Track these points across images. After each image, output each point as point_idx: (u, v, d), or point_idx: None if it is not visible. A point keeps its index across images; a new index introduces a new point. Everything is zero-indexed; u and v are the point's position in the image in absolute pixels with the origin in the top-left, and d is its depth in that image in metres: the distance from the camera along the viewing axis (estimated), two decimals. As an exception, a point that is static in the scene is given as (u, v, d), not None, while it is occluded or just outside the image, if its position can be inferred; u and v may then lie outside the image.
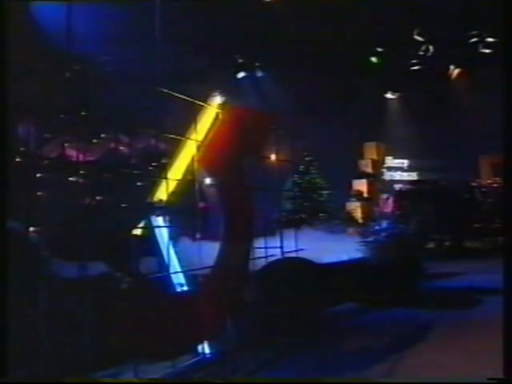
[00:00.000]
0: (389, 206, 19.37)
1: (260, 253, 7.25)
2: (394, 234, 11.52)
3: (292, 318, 7.42)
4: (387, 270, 10.33)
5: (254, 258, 6.89)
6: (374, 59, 19.86)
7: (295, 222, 15.73)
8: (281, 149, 7.66)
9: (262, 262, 7.42)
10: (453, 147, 21.06)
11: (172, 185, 5.71)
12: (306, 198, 17.99)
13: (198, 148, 5.93)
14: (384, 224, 12.22)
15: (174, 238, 5.74)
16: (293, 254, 7.96)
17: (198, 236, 5.69)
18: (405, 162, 23.18)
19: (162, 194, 5.64)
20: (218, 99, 6.46)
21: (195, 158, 5.89)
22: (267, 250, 7.35)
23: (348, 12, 17.71)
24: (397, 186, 21.15)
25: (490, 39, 18.97)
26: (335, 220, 17.28)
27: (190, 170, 5.94)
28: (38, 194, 6.60)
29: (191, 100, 5.79)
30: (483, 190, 20.08)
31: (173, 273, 5.42)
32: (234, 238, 6.01)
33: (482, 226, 18.92)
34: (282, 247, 7.63)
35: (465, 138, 20.58)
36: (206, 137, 6.12)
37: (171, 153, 6.03)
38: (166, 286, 5.34)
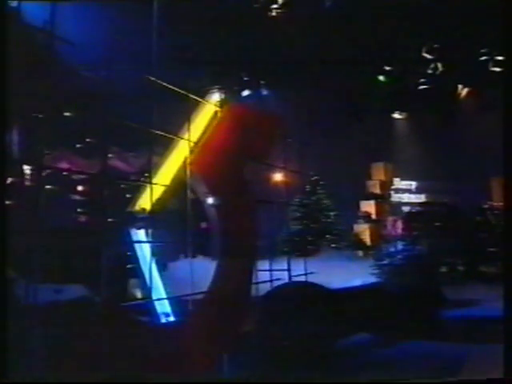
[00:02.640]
0: (398, 228, 18.23)
1: (264, 276, 6.19)
2: (408, 257, 10.47)
3: (299, 351, 6.30)
4: (404, 297, 9.16)
5: (258, 282, 5.78)
6: (381, 78, 18.98)
7: (302, 243, 14.62)
8: (289, 158, 6.64)
9: (266, 287, 6.34)
10: (463, 168, 19.99)
11: (158, 191, 4.62)
12: (313, 218, 16.89)
13: (192, 150, 4.86)
14: (397, 247, 11.21)
15: (158, 256, 4.64)
16: (301, 278, 6.88)
17: (188, 254, 4.57)
18: (413, 184, 22.12)
19: (146, 202, 4.53)
20: (216, 96, 5.42)
21: (187, 161, 4.81)
22: (272, 273, 6.29)
23: (355, 30, 16.95)
24: (406, 208, 20.04)
25: (499, 57, 18.07)
26: (344, 242, 16.20)
27: (180, 175, 4.85)
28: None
29: (184, 93, 4.76)
30: (496, 212, 18.90)
31: (156, 300, 4.28)
32: (233, 258, 4.88)
33: (497, 250, 17.67)
34: (289, 270, 6.55)
35: (475, 159, 19.52)
36: (201, 137, 5.06)
37: (159, 154, 4.95)
38: (146, 317, 4.19)
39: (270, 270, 6.12)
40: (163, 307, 4.43)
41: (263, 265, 6.53)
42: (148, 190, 4.53)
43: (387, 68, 18.84)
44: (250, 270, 5.17)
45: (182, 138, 4.90)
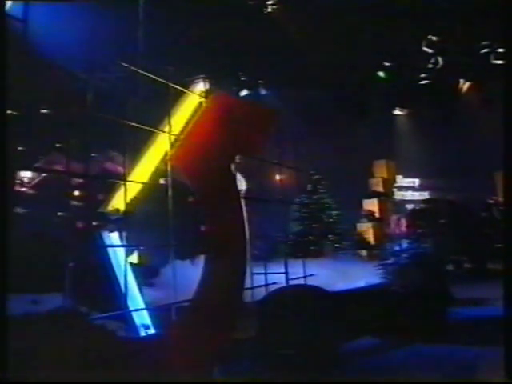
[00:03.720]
0: (402, 226, 17.70)
1: (260, 280, 5.72)
2: (414, 256, 9.94)
3: (300, 358, 5.80)
4: (410, 298, 8.63)
5: (252, 287, 5.29)
6: (381, 74, 18.43)
7: (303, 244, 14.11)
8: (289, 156, 6.16)
9: (262, 292, 5.85)
10: (466, 164, 19.46)
11: (135, 190, 4.14)
12: (315, 218, 16.37)
13: (173, 143, 4.38)
14: (402, 245, 10.69)
15: (146, 261, 4.16)
16: (300, 281, 6.38)
17: (170, 258, 4.08)
18: (416, 181, 21.64)
19: (120, 201, 4.04)
20: (201, 85, 4.92)
21: (168, 156, 4.32)
22: (270, 276, 5.80)
23: (353, 25, 16.43)
24: (409, 206, 19.53)
25: (502, 49, 17.48)
26: (346, 242, 15.69)
27: (160, 171, 4.37)
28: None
29: (165, 82, 4.28)
30: (502, 207, 18.38)
31: (133, 311, 3.78)
32: (221, 261, 4.39)
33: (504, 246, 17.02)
34: (286, 273, 6.05)
35: (479, 154, 18.97)
36: (184, 129, 4.57)
37: (135, 148, 4.46)
38: (122, 330, 3.70)
39: (266, 273, 5.61)
40: (142, 318, 3.93)
41: (262, 268, 6.07)
42: (125, 188, 4.04)
43: (387, 63, 18.30)
44: (240, 273, 4.67)
45: (163, 131, 4.42)
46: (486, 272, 15.98)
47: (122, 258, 3.89)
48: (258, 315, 5.51)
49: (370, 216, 18.36)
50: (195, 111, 4.73)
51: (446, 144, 19.80)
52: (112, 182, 4.40)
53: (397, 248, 9.91)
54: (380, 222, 18.37)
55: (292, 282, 6.31)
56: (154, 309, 4.06)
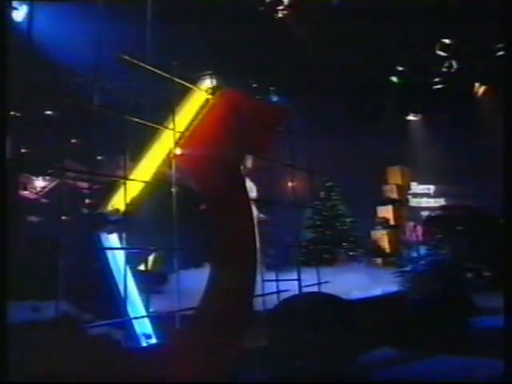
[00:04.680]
0: (418, 233, 17.24)
1: (272, 288, 5.44)
2: (431, 263, 9.58)
3: (313, 370, 5.48)
4: (429, 306, 8.24)
5: (263, 295, 5.00)
6: (394, 79, 18.15)
7: (316, 252, 13.80)
8: (294, 153, 5.90)
9: (273, 300, 5.55)
10: (483, 169, 18.93)
11: (136, 189, 3.90)
12: (328, 225, 16.04)
13: (178, 140, 4.13)
14: (419, 253, 10.33)
15: (135, 264, 3.90)
16: (314, 289, 6.08)
17: (174, 263, 3.81)
18: (431, 188, 21.16)
19: (120, 201, 3.80)
20: (208, 82, 4.69)
21: (172, 154, 4.07)
22: (281, 283, 5.51)
23: (366, 30, 16.20)
24: (424, 213, 19.06)
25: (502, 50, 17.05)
26: (361, 249, 15.32)
27: (164, 171, 4.12)
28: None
29: (170, 77, 4.05)
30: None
31: (132, 318, 3.51)
32: (231, 268, 4.10)
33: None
34: (299, 280, 5.74)
35: (496, 159, 18.39)
36: (189, 127, 4.32)
37: (138, 145, 4.22)
38: (121, 338, 3.43)
39: (277, 280, 5.31)
40: (143, 327, 3.66)
41: (274, 275, 5.79)
42: (125, 187, 3.79)
43: (400, 68, 18.02)
44: (250, 279, 4.37)
45: (167, 128, 4.17)
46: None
47: (121, 263, 3.64)
48: (270, 323, 5.21)
49: (384, 223, 17.97)
50: (201, 108, 4.50)
51: (461, 149, 19.34)
52: (112, 180, 4.16)
53: (413, 255, 9.55)
54: (395, 230, 17.95)
55: (305, 290, 6.03)
56: (156, 317, 3.79)
